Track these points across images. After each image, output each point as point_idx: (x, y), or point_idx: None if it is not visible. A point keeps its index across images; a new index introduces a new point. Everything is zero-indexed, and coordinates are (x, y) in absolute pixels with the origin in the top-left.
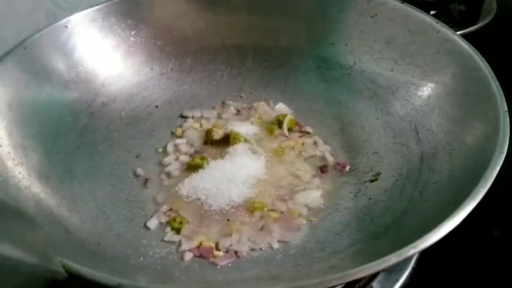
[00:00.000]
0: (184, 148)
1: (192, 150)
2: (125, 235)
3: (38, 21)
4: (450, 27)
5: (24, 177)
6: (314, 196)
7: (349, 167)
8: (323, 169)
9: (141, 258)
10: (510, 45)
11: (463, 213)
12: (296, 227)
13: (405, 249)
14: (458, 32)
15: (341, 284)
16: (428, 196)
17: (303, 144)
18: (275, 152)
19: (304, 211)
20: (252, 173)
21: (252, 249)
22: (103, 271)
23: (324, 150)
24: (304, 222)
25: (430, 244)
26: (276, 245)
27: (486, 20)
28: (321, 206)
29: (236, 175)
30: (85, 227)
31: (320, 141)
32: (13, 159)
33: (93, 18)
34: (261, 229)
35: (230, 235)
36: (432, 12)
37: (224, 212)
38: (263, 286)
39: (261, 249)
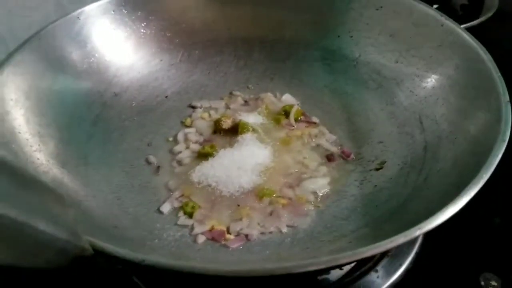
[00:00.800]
0: (194, 137)
1: (201, 139)
2: (140, 219)
3: (48, 13)
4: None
5: (43, 163)
6: (321, 183)
7: (354, 156)
8: (329, 158)
9: (156, 240)
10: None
11: (466, 198)
12: (304, 212)
13: (412, 229)
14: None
15: (349, 264)
16: (432, 183)
17: (309, 133)
18: (282, 141)
19: (311, 197)
20: (260, 161)
21: (262, 233)
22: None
23: (330, 139)
24: (312, 208)
25: (436, 226)
26: (285, 229)
27: (489, 14)
28: (328, 192)
29: (245, 163)
30: (102, 211)
31: (326, 131)
32: (31, 146)
33: (105, 9)
34: (270, 214)
35: (240, 219)
36: (434, 6)
37: (234, 198)
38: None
39: (270, 233)
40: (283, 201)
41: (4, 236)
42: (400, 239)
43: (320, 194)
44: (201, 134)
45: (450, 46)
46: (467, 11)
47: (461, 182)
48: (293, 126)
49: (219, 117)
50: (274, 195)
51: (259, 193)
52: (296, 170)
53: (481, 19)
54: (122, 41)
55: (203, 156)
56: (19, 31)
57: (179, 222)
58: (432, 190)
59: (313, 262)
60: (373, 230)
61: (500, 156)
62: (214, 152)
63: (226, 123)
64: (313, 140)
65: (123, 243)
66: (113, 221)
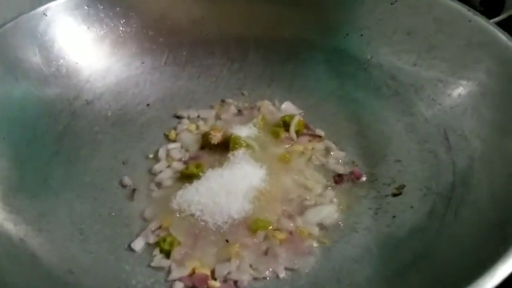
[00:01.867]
0: (177, 153)
1: (186, 156)
2: (105, 258)
3: (23, 9)
4: None
5: None
6: (327, 212)
7: (365, 177)
8: (337, 180)
9: None
10: None
11: None
12: (306, 250)
13: None
14: None
15: None
16: (465, 219)
17: (313, 149)
18: (281, 159)
19: (316, 231)
20: (254, 184)
21: (255, 278)
22: None
23: (337, 157)
24: (316, 244)
25: None
26: (282, 274)
27: (511, 12)
28: (336, 224)
29: (236, 187)
30: (56, 250)
31: (332, 146)
32: None
33: (76, 4)
34: (265, 253)
35: (228, 260)
36: None
37: (222, 231)
38: None
39: (265, 278)
40: (281, 235)
41: None
42: None
43: (327, 226)
44: (186, 150)
45: (479, 46)
46: (488, 7)
47: (504, 221)
48: (294, 141)
49: (208, 130)
50: (270, 228)
51: (252, 225)
52: (297, 195)
53: (503, 16)
54: (96, 41)
55: (187, 177)
56: None
57: (153, 264)
58: (466, 228)
59: None
60: (393, 284)
61: None
62: (200, 173)
63: (216, 137)
64: (318, 157)
65: None
66: (69, 263)
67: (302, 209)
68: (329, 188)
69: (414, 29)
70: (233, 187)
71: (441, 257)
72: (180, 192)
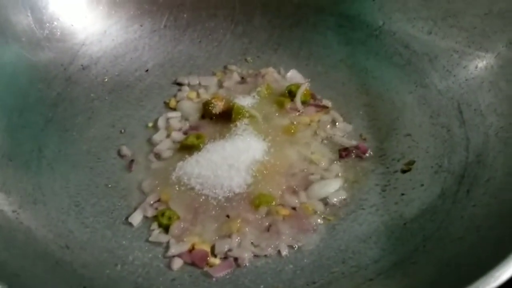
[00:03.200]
0: (177, 123)
1: (186, 126)
2: (102, 232)
3: None
4: None
5: None
6: (333, 187)
7: (372, 152)
8: (343, 154)
9: (119, 266)
10: None
11: None
12: (310, 227)
13: None
14: None
15: None
16: (479, 198)
17: (319, 121)
18: (285, 130)
19: (321, 207)
20: (257, 157)
21: (256, 256)
22: None
23: (345, 129)
24: (321, 221)
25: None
26: (285, 251)
27: None
28: (342, 200)
29: (238, 160)
30: (51, 225)
31: (340, 118)
32: None
33: None
34: (267, 229)
35: (229, 236)
36: None
37: (223, 205)
38: None
39: (266, 256)
40: (284, 211)
41: None
42: None
43: (332, 202)
44: (186, 119)
45: (500, 15)
46: None
47: None
48: (300, 111)
49: (209, 98)
50: (273, 203)
51: (254, 200)
52: (302, 170)
53: None
54: (92, 2)
55: (187, 148)
56: None
57: (151, 239)
58: (480, 209)
59: None
60: (403, 265)
61: None
62: (200, 145)
63: (218, 107)
64: (324, 130)
65: (71, 274)
66: (65, 238)
67: (307, 184)
68: (335, 162)
69: None
70: (235, 160)
71: (454, 240)
72: (180, 164)
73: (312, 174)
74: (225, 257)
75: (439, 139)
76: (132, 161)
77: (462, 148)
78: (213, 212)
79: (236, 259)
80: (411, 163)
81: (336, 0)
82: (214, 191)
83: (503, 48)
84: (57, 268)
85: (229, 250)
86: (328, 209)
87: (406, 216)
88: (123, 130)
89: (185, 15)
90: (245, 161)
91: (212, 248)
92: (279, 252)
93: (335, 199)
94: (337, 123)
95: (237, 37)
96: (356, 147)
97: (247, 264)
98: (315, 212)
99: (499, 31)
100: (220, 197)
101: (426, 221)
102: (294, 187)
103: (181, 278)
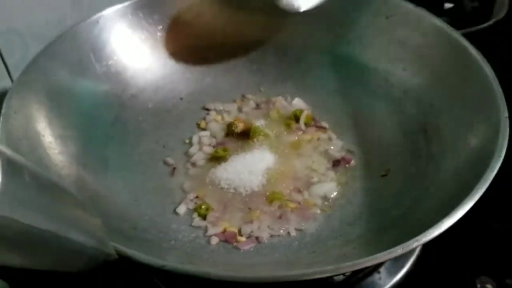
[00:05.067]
0: (207, 140)
1: (214, 142)
2: (156, 220)
3: (64, 10)
4: (464, 23)
5: (65, 165)
6: (328, 188)
7: (354, 162)
8: (335, 163)
9: (173, 241)
10: None
11: (461, 211)
12: (311, 216)
13: (410, 242)
14: (471, 29)
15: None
16: (433, 194)
17: (318, 139)
18: (292, 145)
19: (319, 202)
20: (270, 165)
21: (272, 236)
22: (147, 254)
23: (337, 145)
24: (319, 212)
25: (431, 238)
26: (293, 233)
27: (499, 17)
28: (335, 197)
29: (256, 167)
30: (121, 212)
31: (334, 136)
32: (54, 148)
33: (122, 13)
34: (280, 217)
35: (251, 222)
36: (448, 5)
37: (245, 200)
38: (282, 270)
39: (279, 235)
40: (292, 205)
41: (35, 245)
42: (398, 250)
43: (328, 198)
44: (214, 137)
45: (456, 58)
46: (478, 14)
47: (459, 195)
48: (303, 131)
49: (232, 120)
50: (283, 199)
51: (269, 196)
52: (305, 175)
53: (492, 21)
54: (139, 43)
55: (216, 159)
56: (36, 28)
57: (193, 224)
58: (432, 201)
59: (316, 271)
60: (376, 238)
61: (495, 171)
62: (227, 156)
63: (239, 127)
64: (322, 145)
65: (142, 244)
66: (132, 222)
67: (309, 185)
68: (330, 169)
69: (405, 40)
70: (253, 167)
71: (413, 221)
72: (211, 170)
73: (313, 178)
74: (249, 236)
75: (409, 152)
76: (174, 168)
77: (426, 159)
78: (238, 205)
79: (257, 238)
80: (388, 170)
81: (332, 43)
82: (238, 190)
83: (458, 84)
84: (130, 241)
85: (252, 231)
86: (325, 203)
87: (381, 208)
88: (165, 145)
89: (210, 55)
90: (261, 168)
91: (239, 231)
92: (288, 233)
93: (330, 196)
94: (332, 140)
95: (252, 72)
96: (343, 158)
97: (265, 241)
98: (315, 206)
99: (455, 71)
100: (243, 195)
101: (395, 211)
102: (299, 187)
103: (218, 250)
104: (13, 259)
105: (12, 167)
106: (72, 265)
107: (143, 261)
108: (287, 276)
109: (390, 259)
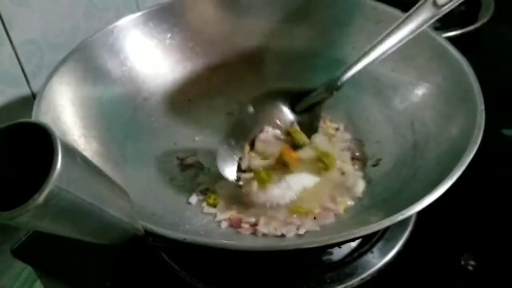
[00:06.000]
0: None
1: None
2: (172, 208)
3: (78, 20)
4: (451, 26)
5: None
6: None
7: (357, 154)
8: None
9: (187, 225)
10: (506, 44)
11: (441, 189)
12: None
13: (396, 215)
14: (457, 32)
15: (348, 242)
16: (419, 178)
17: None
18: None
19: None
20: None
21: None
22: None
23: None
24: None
25: (414, 213)
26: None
27: (484, 20)
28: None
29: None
30: (141, 202)
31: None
32: (78, 146)
33: (135, 23)
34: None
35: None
36: None
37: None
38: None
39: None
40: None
41: (82, 215)
42: (386, 222)
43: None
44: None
45: (439, 59)
46: (464, 17)
47: (441, 178)
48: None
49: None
50: (306, 213)
51: (292, 208)
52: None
53: (477, 24)
54: (149, 51)
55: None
56: (51, 37)
57: (204, 211)
58: (419, 184)
59: (313, 240)
60: (368, 217)
61: (471, 156)
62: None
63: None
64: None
65: (162, 227)
66: (151, 210)
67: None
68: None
69: None
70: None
71: (402, 201)
72: None
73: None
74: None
75: (398, 144)
76: (185, 164)
77: (412, 148)
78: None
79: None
80: (379, 160)
81: (326, 48)
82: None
83: (441, 82)
84: (152, 224)
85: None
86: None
87: (373, 193)
88: (176, 143)
89: (216, 60)
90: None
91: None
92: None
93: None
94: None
95: (255, 74)
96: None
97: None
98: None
99: (438, 69)
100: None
101: (386, 194)
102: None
103: (227, 232)
104: (63, 228)
105: (67, 150)
106: (108, 237)
107: (168, 235)
108: (291, 245)
109: (380, 231)
